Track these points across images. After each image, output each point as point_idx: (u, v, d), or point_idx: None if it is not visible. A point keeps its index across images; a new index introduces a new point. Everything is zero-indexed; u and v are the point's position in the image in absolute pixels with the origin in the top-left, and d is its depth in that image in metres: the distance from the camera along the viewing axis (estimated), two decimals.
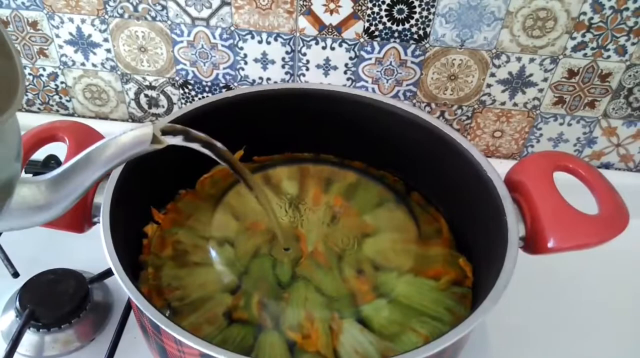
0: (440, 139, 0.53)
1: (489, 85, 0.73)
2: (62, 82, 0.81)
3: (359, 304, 0.47)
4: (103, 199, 0.44)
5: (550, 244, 0.44)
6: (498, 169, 0.48)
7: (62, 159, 0.50)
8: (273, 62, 0.73)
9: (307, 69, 0.73)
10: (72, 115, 0.84)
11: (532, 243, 0.45)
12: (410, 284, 0.48)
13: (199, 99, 0.79)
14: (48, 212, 0.35)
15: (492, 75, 0.72)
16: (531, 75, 0.72)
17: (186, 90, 0.78)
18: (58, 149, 0.50)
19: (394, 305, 0.47)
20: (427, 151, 0.55)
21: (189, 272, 0.49)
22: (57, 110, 0.84)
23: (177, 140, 0.40)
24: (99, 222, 0.43)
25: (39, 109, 0.84)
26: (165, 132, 0.39)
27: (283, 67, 0.74)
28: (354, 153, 0.60)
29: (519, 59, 0.70)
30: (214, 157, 0.43)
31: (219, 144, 0.43)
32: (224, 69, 0.75)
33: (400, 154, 0.58)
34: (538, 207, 0.45)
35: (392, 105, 0.56)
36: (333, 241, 0.52)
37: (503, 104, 0.75)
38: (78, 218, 0.45)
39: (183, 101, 0.80)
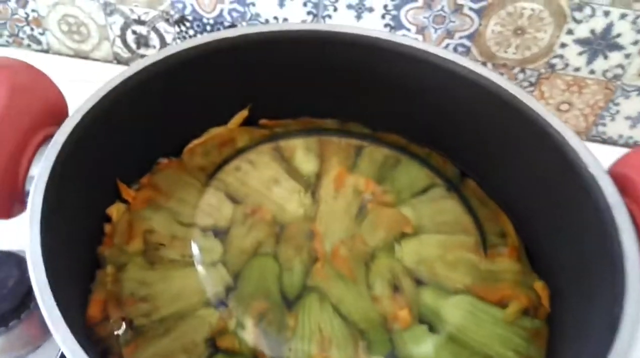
0: (516, 111, 0.38)
1: (563, 45, 0.58)
2: (33, 10, 0.66)
3: (395, 338, 0.34)
4: (38, 172, 0.31)
5: None
6: None
7: None
8: None
9: (335, 9, 0.58)
10: (46, 51, 0.70)
11: None
12: (469, 312, 0.35)
13: None
14: None
15: (570, 32, 0.57)
16: (619, 35, 0.56)
17: (183, 29, 0.63)
18: None
19: (444, 342, 0.34)
20: (493, 126, 0.41)
21: (161, 275, 0.35)
22: (29, 45, 0.70)
23: None
24: None
25: (7, 41, 0.70)
26: None
27: (305, 4, 0.58)
28: (391, 123, 0.46)
29: (606, 14, 0.55)
30: None
31: None
32: (231, 2, 0.60)
33: (454, 127, 0.43)
34: None
35: (451, 61, 0.41)
36: (360, 241, 0.38)
37: (577, 69, 0.60)
38: (2, 198, 0.32)
39: (179, 42, 0.65)
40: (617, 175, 0.34)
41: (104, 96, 0.36)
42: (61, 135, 0.32)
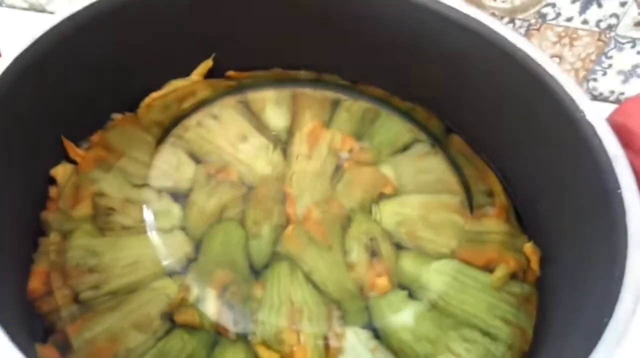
0: (507, 56, 0.35)
1: None
2: None
3: (372, 306, 0.31)
4: None
5: None
6: None
7: None
8: None
9: None
10: None
11: None
12: (453, 278, 0.32)
13: None
14: None
15: None
16: None
17: None
18: None
19: (425, 310, 0.31)
20: (482, 75, 0.37)
21: (112, 243, 0.32)
22: None
23: None
24: None
25: None
26: None
27: None
28: (371, 74, 0.42)
29: None
30: None
31: None
32: None
33: (439, 77, 0.39)
34: None
35: (436, 1, 0.36)
36: (335, 204, 0.35)
37: (569, 19, 0.56)
38: None
39: None
40: (615, 125, 0.31)
41: (41, 39, 0.31)
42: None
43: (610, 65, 0.59)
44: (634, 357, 0.25)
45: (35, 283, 0.30)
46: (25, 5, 0.63)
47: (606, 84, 0.61)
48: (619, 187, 0.28)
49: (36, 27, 0.32)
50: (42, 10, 0.64)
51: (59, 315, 0.29)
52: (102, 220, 0.33)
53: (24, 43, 0.31)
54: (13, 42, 0.32)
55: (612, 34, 0.56)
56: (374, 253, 0.33)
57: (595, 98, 0.62)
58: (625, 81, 0.61)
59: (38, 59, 0.31)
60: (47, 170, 0.34)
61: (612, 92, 0.62)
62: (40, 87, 0.32)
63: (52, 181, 0.34)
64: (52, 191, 0.34)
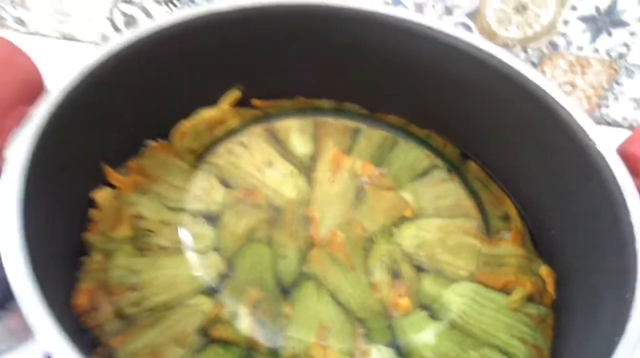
0: (521, 88, 0.37)
1: (566, 22, 0.56)
2: None
3: (395, 326, 0.32)
4: (12, 154, 0.29)
5: None
6: None
7: None
8: None
9: None
10: (32, 34, 0.67)
11: None
12: (471, 299, 0.33)
13: None
14: None
15: (573, 8, 0.55)
16: (624, 11, 0.54)
17: (172, 8, 0.61)
18: None
19: (446, 329, 0.32)
20: (496, 104, 0.39)
21: (151, 263, 0.34)
22: (16, 29, 0.67)
23: None
24: None
25: None
26: None
27: None
28: (389, 103, 0.44)
29: None
30: None
31: None
32: None
33: (455, 106, 0.41)
34: None
35: (452, 36, 0.39)
36: (357, 226, 0.37)
37: (580, 48, 0.58)
38: None
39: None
40: (625, 154, 0.33)
41: (86, 74, 0.34)
42: (38, 114, 0.30)
43: (622, 92, 0.61)
44: None
45: (80, 300, 0.32)
46: (57, 34, 0.67)
47: (618, 110, 0.63)
48: (628, 214, 0.29)
49: (80, 60, 0.35)
50: (72, 39, 0.67)
51: (104, 330, 0.31)
52: (140, 241, 0.35)
53: (71, 76, 0.33)
54: (52, 72, 0.35)
55: (623, 62, 0.58)
56: (395, 275, 0.35)
57: (608, 124, 0.64)
58: (637, 108, 0.62)
59: (83, 92, 0.34)
60: (87, 194, 0.37)
61: (625, 118, 0.63)
62: (83, 118, 0.34)
63: (92, 204, 0.36)
64: (93, 213, 0.36)
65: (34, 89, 0.33)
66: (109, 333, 0.31)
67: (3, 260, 0.25)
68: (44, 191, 0.30)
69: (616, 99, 0.61)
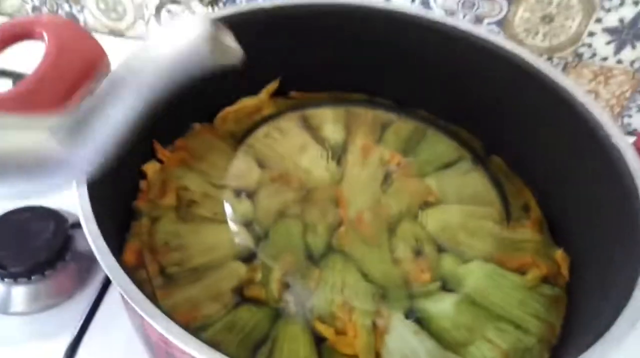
0: (543, 85, 0.39)
1: (591, 34, 0.58)
2: None
3: (415, 296, 0.35)
4: None
5: None
6: None
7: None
8: None
9: None
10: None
11: None
12: (488, 277, 0.36)
13: None
14: (64, 171, 0.24)
15: (598, 20, 0.57)
16: None
17: (217, 9, 0.65)
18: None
19: (463, 303, 0.34)
20: (521, 103, 0.41)
21: (193, 229, 0.37)
22: None
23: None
24: None
25: None
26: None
27: None
28: (419, 98, 0.47)
29: (636, 3, 0.55)
30: None
31: None
32: None
33: (482, 103, 0.44)
34: None
35: (481, 38, 0.42)
36: (384, 208, 0.40)
37: (605, 59, 0.60)
38: None
39: None
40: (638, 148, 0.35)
41: None
42: None
43: None
44: None
45: (129, 257, 0.35)
46: (106, 30, 0.72)
47: None
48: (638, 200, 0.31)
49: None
50: (122, 35, 0.72)
51: (149, 285, 0.34)
52: (184, 210, 0.38)
53: None
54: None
55: None
56: (418, 253, 0.37)
57: (630, 134, 0.65)
58: None
59: None
60: (139, 167, 0.40)
61: None
62: None
63: (143, 176, 0.40)
64: (143, 184, 0.39)
65: (101, 67, 0.37)
66: (154, 288, 0.34)
67: (81, 222, 0.29)
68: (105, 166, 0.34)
69: (639, 109, 0.63)
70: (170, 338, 0.24)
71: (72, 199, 0.31)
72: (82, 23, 0.72)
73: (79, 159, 0.24)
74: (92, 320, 0.41)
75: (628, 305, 0.26)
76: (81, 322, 0.40)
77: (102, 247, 0.28)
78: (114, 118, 0.24)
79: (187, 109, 0.43)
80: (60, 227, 0.43)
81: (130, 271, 0.34)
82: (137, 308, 0.25)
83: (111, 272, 0.27)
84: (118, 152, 0.31)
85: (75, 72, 0.37)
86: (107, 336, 0.40)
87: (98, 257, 0.27)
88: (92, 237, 0.28)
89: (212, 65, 0.25)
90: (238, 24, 0.42)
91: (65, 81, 0.37)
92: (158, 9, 0.68)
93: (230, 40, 0.26)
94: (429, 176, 0.42)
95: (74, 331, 0.40)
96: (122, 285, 0.26)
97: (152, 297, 0.33)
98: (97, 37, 0.71)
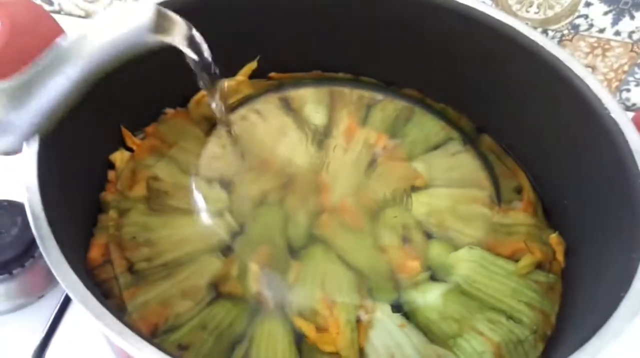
0: (536, 58, 0.36)
1: (587, 4, 0.55)
2: None
3: (401, 286, 0.33)
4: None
5: None
6: None
7: None
8: None
9: None
10: (58, 12, 0.69)
11: None
12: (478, 264, 0.33)
13: None
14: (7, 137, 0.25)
15: None
16: None
17: None
18: None
19: (452, 293, 0.32)
20: (512, 76, 0.39)
21: (164, 221, 0.35)
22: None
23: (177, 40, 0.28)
24: None
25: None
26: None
27: None
28: (405, 76, 0.44)
29: None
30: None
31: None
32: None
33: (473, 79, 0.41)
34: None
35: (472, 8, 0.39)
36: (368, 194, 0.37)
37: (602, 31, 0.57)
38: None
39: None
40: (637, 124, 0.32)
41: None
42: None
43: None
44: None
45: (94, 254, 0.33)
46: (82, 12, 0.69)
47: (639, 94, 0.62)
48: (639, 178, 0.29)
49: None
50: None
51: (116, 283, 0.32)
52: (155, 201, 0.36)
53: None
54: None
55: None
56: (405, 240, 0.35)
57: (628, 108, 0.63)
58: None
59: None
60: (107, 156, 0.38)
61: None
62: (105, 83, 0.35)
63: (111, 166, 0.38)
64: (111, 174, 0.37)
65: None
66: (121, 286, 0.31)
67: (27, 214, 0.26)
68: (62, 150, 0.31)
69: (637, 83, 0.60)
70: (123, 346, 0.22)
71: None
72: (56, 6, 0.68)
73: (19, 122, 0.24)
74: (61, 321, 0.39)
75: (627, 295, 0.24)
76: (49, 323, 0.38)
77: (46, 236, 0.25)
78: (53, 86, 0.25)
79: (159, 93, 0.41)
80: (28, 222, 0.40)
81: (96, 268, 0.32)
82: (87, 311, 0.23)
83: (55, 267, 0.24)
84: (60, 119, 0.29)
85: (32, 51, 0.35)
86: (76, 337, 0.38)
87: (43, 252, 0.25)
88: (38, 232, 0.26)
89: (155, 40, 0.23)
90: (213, 2, 0.40)
91: (21, 61, 0.34)
92: None
93: (174, 16, 0.27)
94: (417, 158, 0.39)
95: (42, 333, 0.38)
96: (69, 286, 0.24)
97: (119, 297, 0.31)
98: (73, 20, 0.68)
